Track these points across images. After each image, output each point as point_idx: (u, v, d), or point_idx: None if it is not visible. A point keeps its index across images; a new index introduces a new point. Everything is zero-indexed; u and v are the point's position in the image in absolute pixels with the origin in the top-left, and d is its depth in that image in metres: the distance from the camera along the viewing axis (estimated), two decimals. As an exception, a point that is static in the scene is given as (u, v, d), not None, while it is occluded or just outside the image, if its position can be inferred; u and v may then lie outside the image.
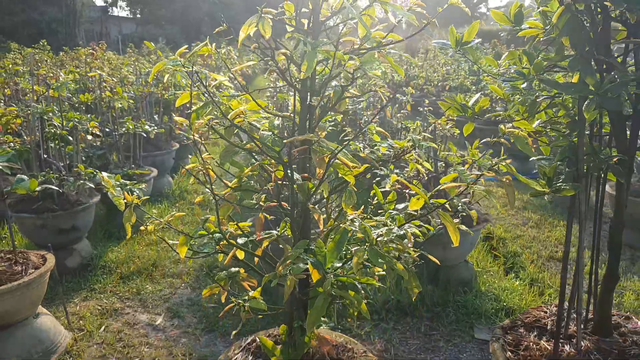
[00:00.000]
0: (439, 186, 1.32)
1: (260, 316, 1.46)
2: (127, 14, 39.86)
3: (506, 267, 3.80)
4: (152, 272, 3.59)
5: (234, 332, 1.97)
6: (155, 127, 4.89)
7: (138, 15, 38.08)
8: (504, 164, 1.25)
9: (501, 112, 1.88)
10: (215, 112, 1.53)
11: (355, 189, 1.61)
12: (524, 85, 1.55)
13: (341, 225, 1.42)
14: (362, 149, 1.68)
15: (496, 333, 2.01)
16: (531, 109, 1.60)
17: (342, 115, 1.80)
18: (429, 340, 2.85)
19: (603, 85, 1.31)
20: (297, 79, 1.53)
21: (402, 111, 5.03)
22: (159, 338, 2.84)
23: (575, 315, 1.99)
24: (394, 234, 1.32)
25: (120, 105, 4.58)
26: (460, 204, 3.26)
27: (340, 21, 1.44)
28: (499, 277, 3.54)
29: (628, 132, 1.66)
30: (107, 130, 4.77)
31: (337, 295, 1.35)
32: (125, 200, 1.56)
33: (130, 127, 4.44)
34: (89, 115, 4.24)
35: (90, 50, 7.40)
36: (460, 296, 3.19)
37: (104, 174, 1.63)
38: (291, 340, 1.60)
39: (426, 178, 3.51)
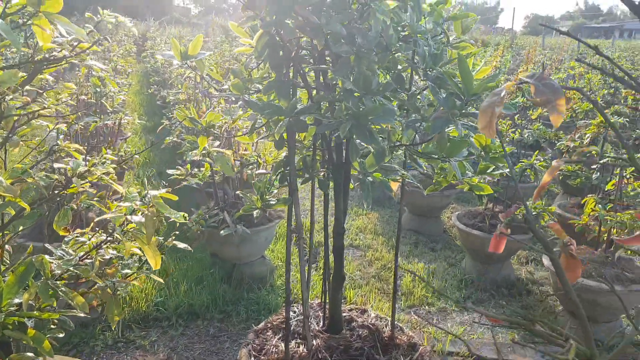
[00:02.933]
0: (103, 216, 1.24)
1: None
2: None
3: (310, 258, 4.01)
4: None
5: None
6: None
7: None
8: (158, 193, 1.23)
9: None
10: None
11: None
12: (240, 103, 1.57)
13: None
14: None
15: (248, 337, 2.06)
16: (252, 126, 1.62)
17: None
18: (215, 342, 2.85)
19: (290, 107, 1.37)
20: None
21: (220, 106, 4.94)
22: None
23: (320, 314, 2.15)
24: (73, 265, 1.22)
25: None
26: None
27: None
28: (298, 269, 3.71)
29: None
30: None
31: (10, 337, 1.21)
32: None
33: None
34: None
35: None
36: (254, 293, 3.26)
37: None
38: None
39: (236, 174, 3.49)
